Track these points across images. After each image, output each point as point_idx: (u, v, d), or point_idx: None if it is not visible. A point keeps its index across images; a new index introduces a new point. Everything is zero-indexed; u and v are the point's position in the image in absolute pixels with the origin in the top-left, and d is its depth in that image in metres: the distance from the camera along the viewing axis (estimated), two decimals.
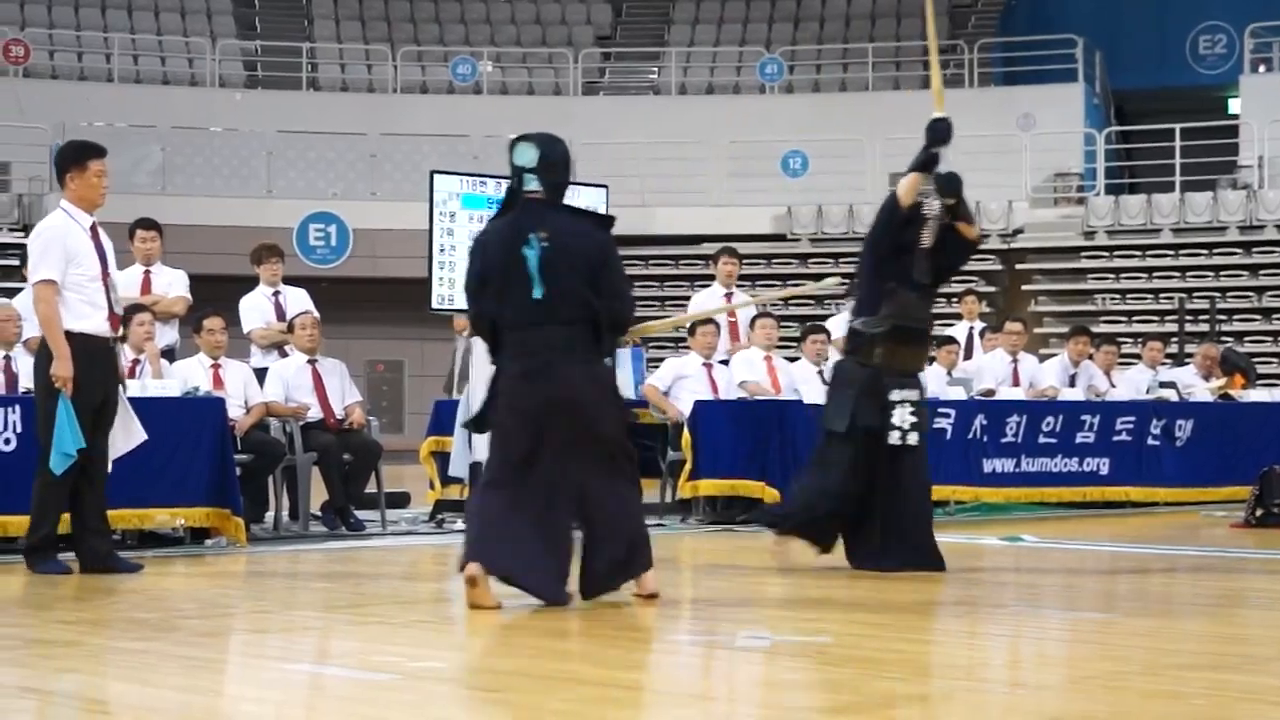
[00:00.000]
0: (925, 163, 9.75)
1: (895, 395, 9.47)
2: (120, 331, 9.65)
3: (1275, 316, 25.13)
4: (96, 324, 9.36)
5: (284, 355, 12.97)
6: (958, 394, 14.57)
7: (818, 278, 27.05)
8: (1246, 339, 24.72)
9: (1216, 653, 6.88)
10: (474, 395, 12.57)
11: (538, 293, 7.76)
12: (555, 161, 8.05)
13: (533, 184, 7.96)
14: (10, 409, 10.12)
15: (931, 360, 15.00)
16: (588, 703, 5.55)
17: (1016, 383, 15.29)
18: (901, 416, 9.45)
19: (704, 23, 32.88)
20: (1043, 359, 17.07)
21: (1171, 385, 15.94)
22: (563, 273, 7.78)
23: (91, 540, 9.36)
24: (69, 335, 9.21)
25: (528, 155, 7.96)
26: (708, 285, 15.55)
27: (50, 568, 9.19)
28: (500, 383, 7.94)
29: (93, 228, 9.47)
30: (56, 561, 9.27)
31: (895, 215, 9.67)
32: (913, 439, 9.49)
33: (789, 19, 32.62)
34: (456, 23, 32.79)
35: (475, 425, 8.37)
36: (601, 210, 13.61)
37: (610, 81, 31.86)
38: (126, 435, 9.62)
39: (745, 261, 15.89)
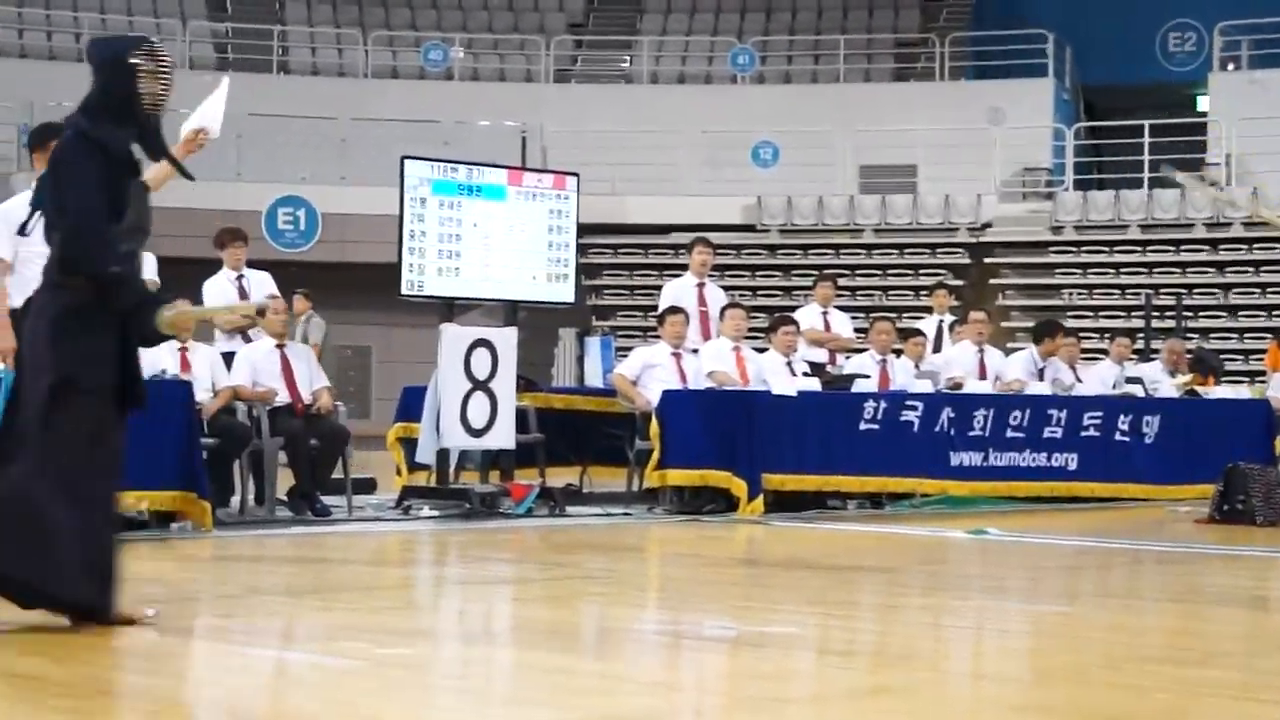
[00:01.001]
0: None
1: None
2: None
3: (1241, 314, 25.23)
4: None
5: (247, 339, 12.94)
6: (925, 387, 14.59)
7: (786, 269, 27.18)
8: (1212, 335, 24.84)
9: (1178, 647, 6.92)
10: (442, 382, 12.60)
11: None
12: (94, 65, 6.75)
13: None
14: None
15: (899, 353, 15.06)
16: (553, 691, 5.56)
17: (983, 375, 15.33)
18: None
19: (676, 12, 32.88)
20: (1010, 352, 17.12)
21: (1138, 381, 15.99)
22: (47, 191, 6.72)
23: None
24: (19, 309, 9.16)
25: None
26: (678, 275, 15.53)
27: None
28: None
29: None
30: None
31: None
32: None
33: (761, 9, 32.64)
34: (428, 8, 32.74)
35: None
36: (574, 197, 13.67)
37: (582, 69, 31.84)
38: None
39: (716, 252, 15.90)
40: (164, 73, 6.62)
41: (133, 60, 6.57)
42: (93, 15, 30.49)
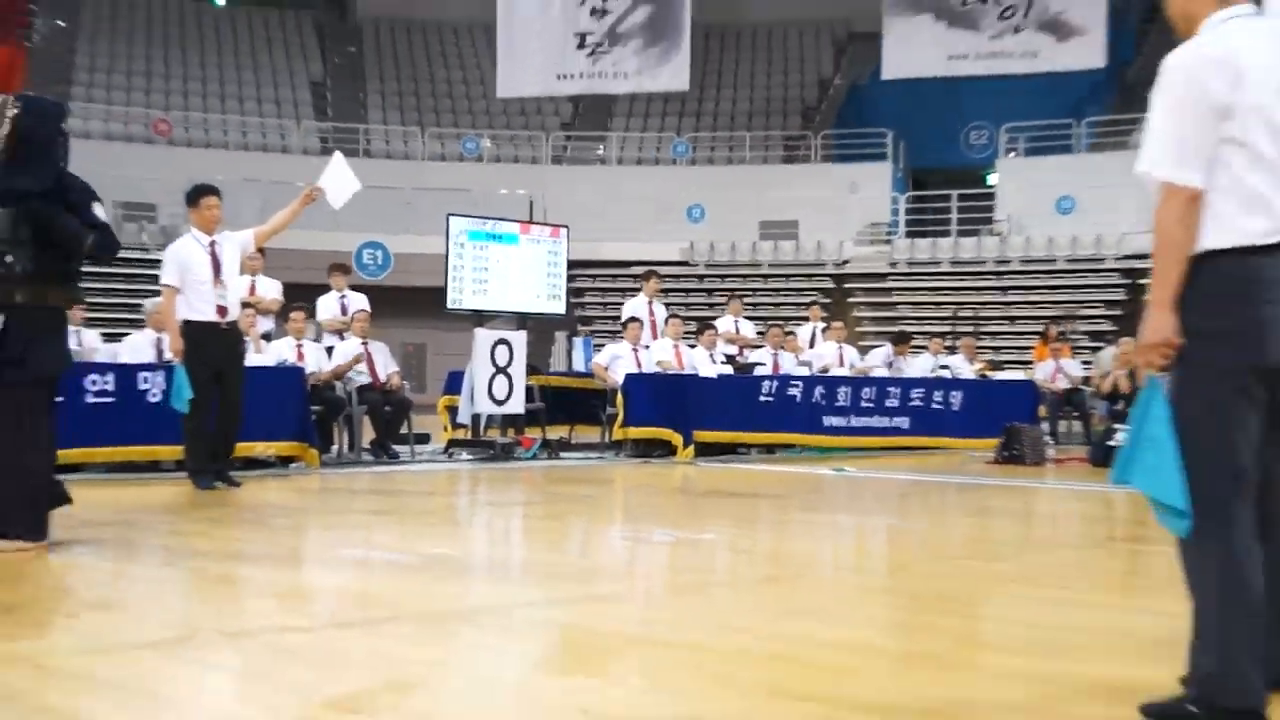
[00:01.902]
0: None
1: None
2: (229, 318, 9.47)
3: (1018, 321, 25.33)
4: (207, 314, 9.23)
5: (343, 338, 12.90)
6: (803, 372, 14.64)
7: (710, 292, 27.15)
8: (999, 336, 24.95)
9: (975, 548, 6.95)
10: (476, 367, 12.57)
11: None
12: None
13: None
14: (159, 374, 10.06)
15: (784, 349, 15.08)
16: (547, 578, 5.58)
17: (842, 363, 15.48)
18: None
19: (635, 115, 32.82)
20: (865, 350, 17.24)
21: (947, 368, 16.08)
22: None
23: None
24: (188, 323, 9.10)
25: None
26: (635, 295, 15.52)
27: (205, 484, 9.08)
28: None
29: (211, 245, 9.32)
30: (209, 480, 9.11)
31: None
32: None
33: (694, 114, 32.59)
34: (466, 112, 32.62)
35: None
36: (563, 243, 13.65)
37: (571, 154, 31.75)
38: (340, 189, 9.40)
39: (662, 280, 15.89)
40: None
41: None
42: (236, 117, 30.27)
